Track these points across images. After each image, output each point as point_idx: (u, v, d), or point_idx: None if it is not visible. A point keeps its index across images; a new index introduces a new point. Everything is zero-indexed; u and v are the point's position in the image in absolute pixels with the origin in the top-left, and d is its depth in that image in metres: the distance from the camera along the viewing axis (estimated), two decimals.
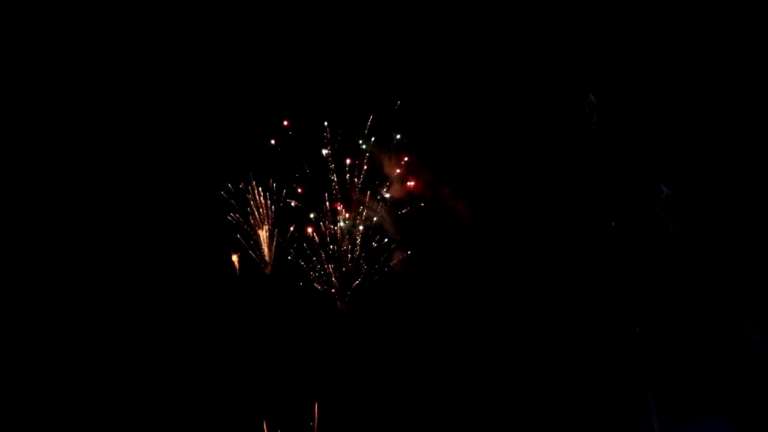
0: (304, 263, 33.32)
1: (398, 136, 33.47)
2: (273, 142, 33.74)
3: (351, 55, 33.05)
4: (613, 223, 27.62)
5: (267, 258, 33.81)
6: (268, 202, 33.86)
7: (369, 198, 33.45)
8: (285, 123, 33.81)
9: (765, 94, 27.49)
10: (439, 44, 31.34)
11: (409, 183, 33.08)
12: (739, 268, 26.52)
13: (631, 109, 28.51)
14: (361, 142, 33.20)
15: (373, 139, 33.38)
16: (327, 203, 33.40)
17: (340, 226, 33.18)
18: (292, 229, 33.67)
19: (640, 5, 29.64)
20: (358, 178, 33.46)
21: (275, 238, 33.72)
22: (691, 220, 26.81)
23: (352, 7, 33.16)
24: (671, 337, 27.24)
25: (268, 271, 33.67)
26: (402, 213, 33.31)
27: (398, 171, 33.07)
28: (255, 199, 33.96)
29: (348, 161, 33.52)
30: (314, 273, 32.82)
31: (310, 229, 33.59)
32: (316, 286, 32.45)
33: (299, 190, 33.62)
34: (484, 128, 31.11)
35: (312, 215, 33.66)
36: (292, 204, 33.70)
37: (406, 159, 33.25)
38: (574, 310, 29.30)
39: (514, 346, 29.64)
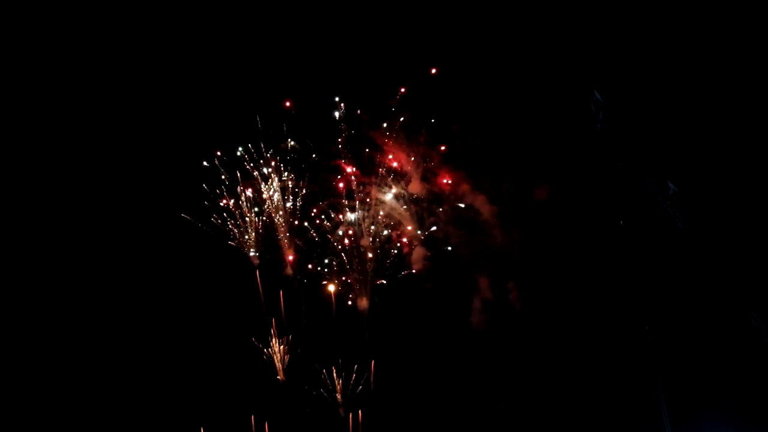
0: (318, 261, 32.77)
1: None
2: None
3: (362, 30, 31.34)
4: (621, 222, 27.52)
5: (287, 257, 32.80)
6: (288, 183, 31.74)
7: (388, 192, 32.04)
8: (287, 104, 31.68)
9: None
10: (443, 43, 31.16)
11: (445, 181, 31.78)
12: (749, 265, 26.25)
13: (636, 106, 28.37)
14: (385, 125, 31.44)
15: (402, 119, 31.32)
16: (344, 198, 32.19)
17: (357, 223, 32.39)
18: (297, 223, 32.28)
19: (644, 3, 29.48)
20: (377, 175, 32.03)
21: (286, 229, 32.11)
22: (699, 217, 26.61)
23: None
24: (681, 336, 27.01)
25: (289, 271, 32.85)
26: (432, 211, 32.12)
27: (419, 165, 32.07)
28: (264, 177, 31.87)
29: (367, 151, 31.66)
30: (330, 272, 32.35)
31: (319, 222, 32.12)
32: (333, 285, 32.12)
33: (304, 191, 32.39)
34: (488, 128, 30.98)
35: (322, 210, 32.13)
36: (299, 199, 32.29)
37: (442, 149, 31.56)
38: (583, 309, 29.12)
39: (523, 345, 29.51)
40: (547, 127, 29.93)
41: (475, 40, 30.75)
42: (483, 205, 31.12)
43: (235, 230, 32.18)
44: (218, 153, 31.77)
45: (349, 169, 32.10)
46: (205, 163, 31.91)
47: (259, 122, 31.44)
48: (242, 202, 32.13)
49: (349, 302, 31.66)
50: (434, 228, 31.71)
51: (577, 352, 28.66)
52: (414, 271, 31.60)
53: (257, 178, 32.27)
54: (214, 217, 32.07)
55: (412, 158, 31.94)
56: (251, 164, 32.07)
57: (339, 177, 32.17)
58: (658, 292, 26.89)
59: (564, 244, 29.60)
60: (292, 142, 32.06)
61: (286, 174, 32.22)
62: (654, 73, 28.81)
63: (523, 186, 30.20)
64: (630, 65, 28.97)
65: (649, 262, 27.12)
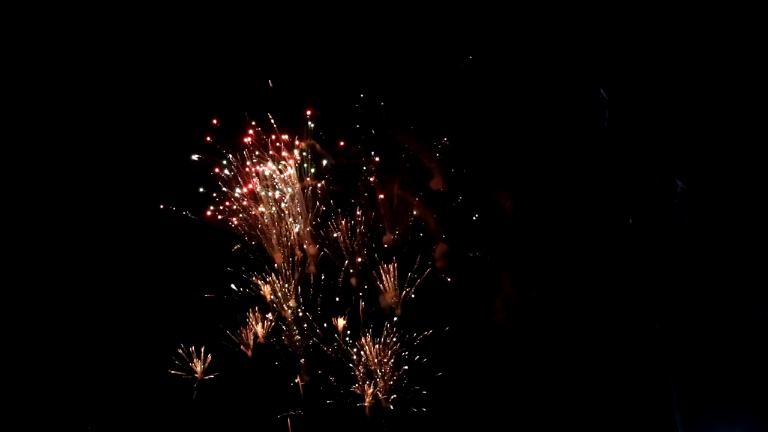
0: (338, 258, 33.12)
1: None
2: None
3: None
4: (630, 220, 27.39)
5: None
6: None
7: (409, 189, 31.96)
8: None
9: None
10: (446, 41, 31.25)
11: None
12: (759, 263, 25.83)
13: (643, 104, 28.05)
14: (412, 128, 31.24)
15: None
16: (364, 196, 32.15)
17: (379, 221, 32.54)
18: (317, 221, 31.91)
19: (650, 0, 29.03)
20: (398, 172, 31.97)
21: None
22: (708, 215, 26.31)
23: None
24: (692, 334, 26.83)
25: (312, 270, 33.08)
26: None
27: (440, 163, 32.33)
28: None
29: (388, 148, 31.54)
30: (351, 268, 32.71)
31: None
32: (353, 282, 32.62)
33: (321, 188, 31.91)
34: (491, 128, 30.98)
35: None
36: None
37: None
38: (593, 308, 29.13)
39: (531, 344, 29.69)
40: (554, 126, 29.85)
41: (478, 39, 30.77)
42: (504, 202, 31.21)
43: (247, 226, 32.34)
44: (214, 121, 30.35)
45: (369, 167, 32.54)
46: (195, 157, 30.84)
47: (270, 83, 30.43)
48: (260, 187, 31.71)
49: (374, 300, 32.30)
50: (465, 229, 31.96)
51: (586, 350, 28.73)
52: (438, 268, 31.96)
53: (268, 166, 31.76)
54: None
55: (435, 155, 32.15)
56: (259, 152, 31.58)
57: (360, 175, 32.74)
58: (668, 291, 26.75)
59: (572, 244, 29.60)
60: (311, 140, 32.24)
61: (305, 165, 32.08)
62: (661, 70, 28.41)
63: (529, 187, 30.24)
64: (636, 62, 28.62)
65: (658, 260, 26.97)
